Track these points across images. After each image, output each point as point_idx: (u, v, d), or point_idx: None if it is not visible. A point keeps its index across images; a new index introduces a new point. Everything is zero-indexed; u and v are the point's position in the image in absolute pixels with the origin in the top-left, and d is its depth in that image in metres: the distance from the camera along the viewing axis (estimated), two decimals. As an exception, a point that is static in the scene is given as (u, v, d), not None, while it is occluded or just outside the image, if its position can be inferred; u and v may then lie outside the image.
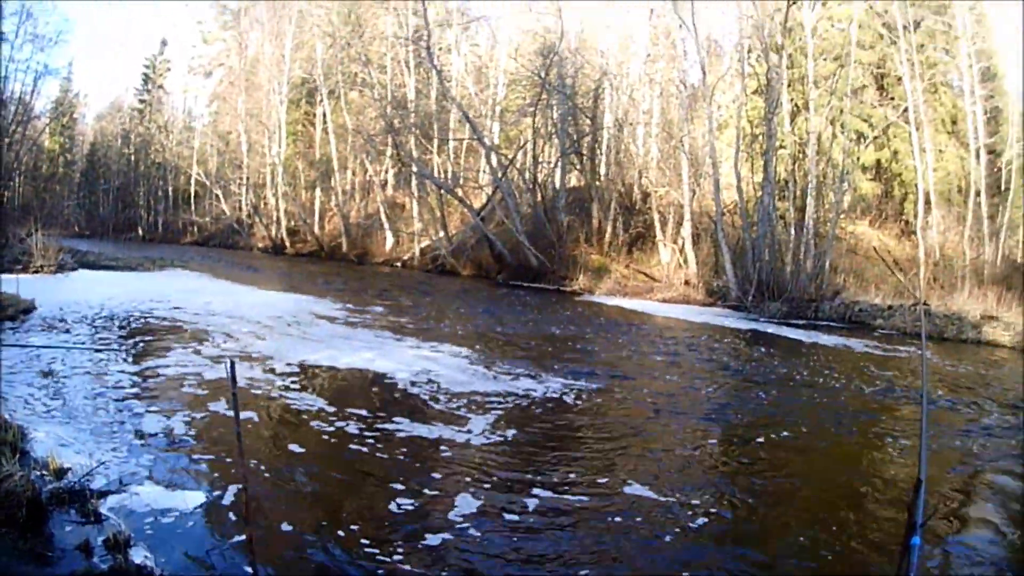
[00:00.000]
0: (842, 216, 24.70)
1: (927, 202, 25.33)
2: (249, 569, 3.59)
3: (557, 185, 24.36)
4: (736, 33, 24.73)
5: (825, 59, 25.26)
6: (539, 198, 23.97)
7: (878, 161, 27.37)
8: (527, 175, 24.22)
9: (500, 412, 6.98)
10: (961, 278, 24.53)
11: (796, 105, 25.18)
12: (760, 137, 24.10)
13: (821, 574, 4.01)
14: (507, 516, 4.49)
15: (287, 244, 25.78)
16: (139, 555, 3.79)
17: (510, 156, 24.18)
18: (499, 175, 23.27)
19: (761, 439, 6.56)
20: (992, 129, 27.18)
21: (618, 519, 4.44)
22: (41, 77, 29.24)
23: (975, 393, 10.24)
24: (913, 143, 25.21)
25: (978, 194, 25.72)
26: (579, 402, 7.57)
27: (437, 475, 5.21)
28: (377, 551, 3.95)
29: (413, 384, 8.06)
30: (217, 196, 31.85)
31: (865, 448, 6.73)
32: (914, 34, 26.79)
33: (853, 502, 5.18)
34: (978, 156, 26.08)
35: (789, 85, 25.08)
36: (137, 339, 10.55)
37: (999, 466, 6.35)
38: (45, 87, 64.41)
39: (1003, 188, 26.96)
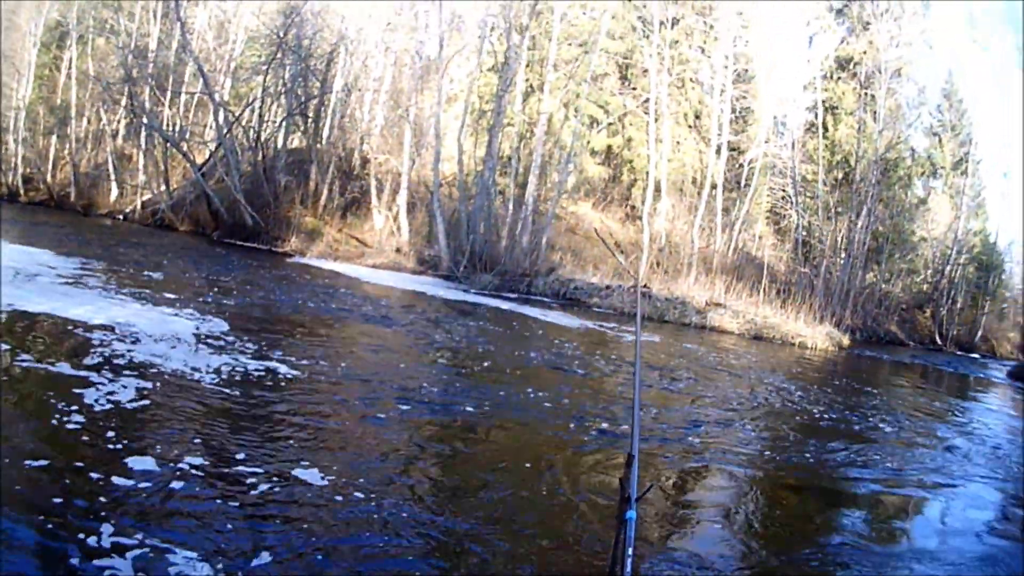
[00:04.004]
0: (565, 196, 25.16)
1: (657, 189, 25.96)
2: None
3: (279, 145, 24.30)
4: (481, 10, 24.93)
5: (570, 44, 25.71)
6: (260, 157, 23.85)
7: (609, 146, 28.00)
8: (251, 133, 24.10)
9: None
10: (687, 265, 25.16)
11: (531, 86, 25.58)
12: (488, 113, 24.41)
13: (538, 548, 3.83)
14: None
15: (21, 192, 25.34)
16: None
17: (237, 113, 24.02)
18: (224, 131, 23.08)
19: (463, 421, 6.14)
20: (739, 128, 28.03)
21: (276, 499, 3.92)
22: None
23: (706, 373, 10.93)
24: (650, 132, 25.80)
25: (714, 187, 26.48)
26: (270, 375, 6.59)
27: (167, 438, 4.60)
28: (110, 522, 3.36)
29: (122, 338, 7.00)
30: (-38, 140, 31.23)
31: (579, 431, 6.41)
32: (670, 30, 27.51)
33: (568, 475, 5.11)
34: (719, 151, 26.84)
35: (527, 66, 25.48)
36: None
37: (718, 447, 6.53)
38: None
39: (743, 184, 27.79)
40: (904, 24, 29.82)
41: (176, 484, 3.85)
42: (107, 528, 3.26)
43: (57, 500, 3.50)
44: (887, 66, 28.92)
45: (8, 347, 6.11)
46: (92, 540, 3.16)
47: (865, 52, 29.57)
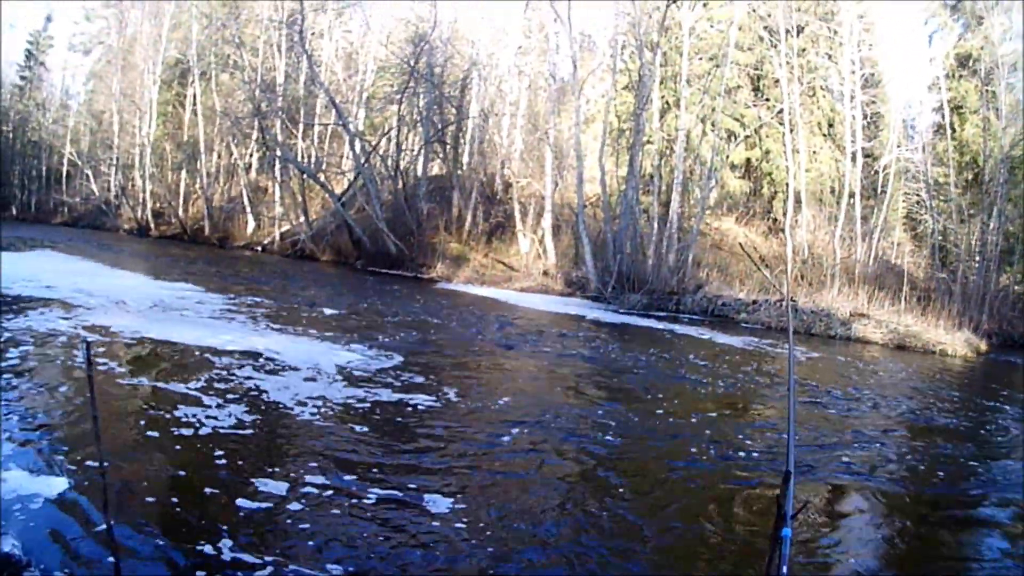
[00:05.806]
0: (708, 212, 24.61)
1: (797, 201, 25.29)
2: (112, 559, 3.30)
3: (419, 173, 24.02)
4: (611, 29, 24.53)
5: (701, 58, 25.18)
6: (400, 185, 23.60)
7: (748, 160, 27.36)
8: (390, 162, 23.85)
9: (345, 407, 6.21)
10: (830, 276, 24.48)
11: (667, 102, 25.06)
12: (627, 132, 23.93)
13: (692, 572, 3.87)
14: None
15: (152, 226, 25.29)
16: (8, 544, 3.45)
17: (374, 143, 23.78)
18: (362, 161, 22.86)
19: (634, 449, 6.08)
20: (871, 134, 27.28)
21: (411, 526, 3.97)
22: None
23: (854, 387, 10.56)
24: (786, 144, 25.15)
25: (852, 196, 25.77)
26: (411, 407, 6.51)
27: (291, 462, 4.81)
28: (232, 539, 3.57)
29: (260, 368, 7.26)
30: (88, 176, 31.12)
31: (729, 452, 6.28)
32: (796, 38, 26.86)
33: (725, 496, 5.06)
34: (854, 159, 26.14)
35: (661, 83, 24.97)
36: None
37: (870, 463, 6.40)
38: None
39: (879, 191, 27.04)
40: (1014, 16, 28.99)
41: (296, 506, 3.98)
42: (227, 543, 3.44)
43: (183, 515, 3.77)
44: (1004, 60, 28.02)
45: (142, 370, 6.54)
46: (210, 551, 3.36)
47: (982, 47, 28.76)
